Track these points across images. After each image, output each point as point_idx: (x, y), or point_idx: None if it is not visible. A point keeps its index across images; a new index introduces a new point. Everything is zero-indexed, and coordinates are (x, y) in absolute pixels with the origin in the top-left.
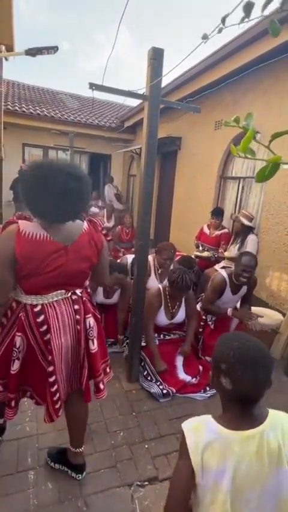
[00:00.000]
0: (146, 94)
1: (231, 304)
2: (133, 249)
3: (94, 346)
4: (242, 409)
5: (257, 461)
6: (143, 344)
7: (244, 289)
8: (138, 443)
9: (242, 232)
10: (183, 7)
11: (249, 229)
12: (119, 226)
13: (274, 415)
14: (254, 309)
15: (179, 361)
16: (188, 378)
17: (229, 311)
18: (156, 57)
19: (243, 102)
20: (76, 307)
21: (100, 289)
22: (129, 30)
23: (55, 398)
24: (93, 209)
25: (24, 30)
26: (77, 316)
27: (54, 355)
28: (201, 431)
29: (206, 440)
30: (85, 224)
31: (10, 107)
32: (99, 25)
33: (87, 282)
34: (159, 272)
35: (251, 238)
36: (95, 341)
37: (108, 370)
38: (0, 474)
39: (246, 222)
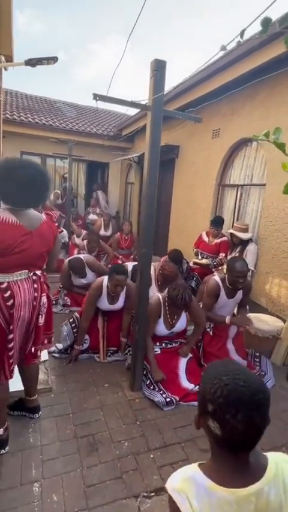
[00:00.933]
0: (148, 104)
1: (228, 309)
2: (132, 256)
3: (41, 321)
4: (236, 459)
5: None
6: None
7: (240, 294)
8: (143, 453)
9: (241, 243)
10: (186, 19)
11: (248, 240)
12: (118, 233)
13: (274, 466)
14: (254, 315)
15: (182, 369)
16: (191, 386)
17: (227, 319)
18: (158, 68)
19: (241, 112)
20: (35, 286)
21: (104, 296)
22: (126, 40)
23: (11, 361)
24: (92, 216)
25: (19, 39)
26: (35, 294)
27: (15, 325)
28: (190, 491)
29: (196, 505)
30: (43, 215)
31: (9, 116)
32: (95, 34)
33: (44, 266)
34: (159, 283)
35: (250, 250)
36: (43, 316)
37: (46, 341)
38: (3, 487)
39: (243, 236)
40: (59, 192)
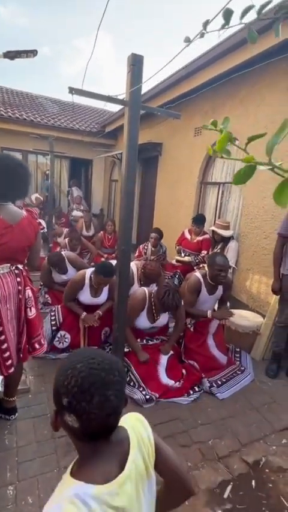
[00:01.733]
0: (126, 100)
1: (209, 305)
2: (114, 254)
3: (32, 312)
4: (101, 448)
5: (137, 496)
6: (126, 350)
7: (220, 290)
8: None
9: (222, 240)
10: (165, 14)
11: (229, 237)
12: (102, 232)
13: (133, 432)
14: (234, 312)
15: (162, 365)
16: (171, 382)
17: (209, 313)
18: (136, 63)
19: (222, 111)
20: (18, 279)
21: (87, 288)
22: (110, 35)
23: (5, 355)
24: (76, 212)
25: (1, 34)
26: (19, 287)
27: (3, 318)
28: (80, 509)
29: None
30: (23, 211)
31: None
32: (80, 30)
33: (26, 261)
34: (141, 282)
35: (231, 247)
36: (33, 308)
37: (37, 346)
38: None
39: (225, 233)
40: (41, 198)
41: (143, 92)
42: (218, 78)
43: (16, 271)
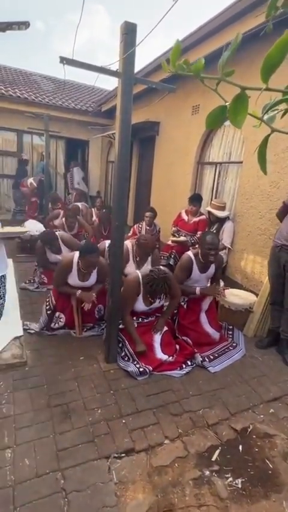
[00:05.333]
0: (118, 70)
1: (201, 284)
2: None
3: None
4: None
5: None
6: (121, 326)
7: (212, 268)
8: (115, 419)
9: (218, 220)
10: None
11: (225, 218)
12: (92, 209)
13: None
14: (228, 291)
15: (157, 341)
16: (165, 357)
17: (197, 290)
18: (128, 31)
19: (219, 88)
20: None
21: (75, 272)
22: (107, 12)
23: None
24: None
25: None
26: None
27: None
28: None
29: None
30: None
31: None
32: (75, 4)
33: None
34: (137, 259)
35: (227, 227)
36: None
37: None
38: None
39: (220, 214)
40: (34, 184)
41: (138, 68)
42: (218, 52)
43: None
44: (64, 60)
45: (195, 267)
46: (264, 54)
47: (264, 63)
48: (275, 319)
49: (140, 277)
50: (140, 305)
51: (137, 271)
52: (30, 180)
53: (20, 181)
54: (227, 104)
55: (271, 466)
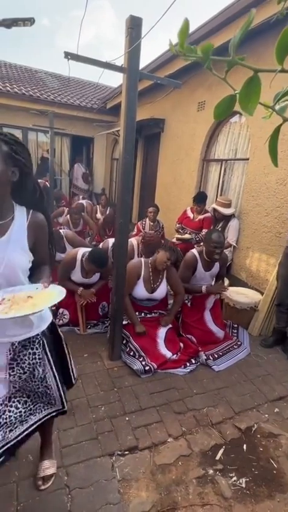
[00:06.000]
0: (124, 66)
1: (206, 281)
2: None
3: None
4: None
5: None
6: (125, 323)
7: (216, 266)
8: (119, 416)
9: (223, 218)
10: None
11: (230, 216)
12: (97, 205)
13: None
14: (234, 289)
15: (161, 337)
16: (169, 354)
17: (203, 288)
18: (134, 26)
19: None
20: None
21: (78, 269)
22: (112, 8)
23: None
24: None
25: None
26: None
27: None
28: None
29: None
30: None
31: None
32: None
33: None
34: (142, 257)
35: (232, 225)
36: None
37: None
38: None
39: (225, 211)
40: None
41: (143, 64)
42: (223, 48)
43: None
44: (69, 56)
45: (199, 265)
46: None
47: (279, 42)
48: (281, 319)
49: (143, 261)
50: (141, 290)
51: (141, 258)
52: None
53: (42, 179)
54: (236, 92)
55: (275, 466)
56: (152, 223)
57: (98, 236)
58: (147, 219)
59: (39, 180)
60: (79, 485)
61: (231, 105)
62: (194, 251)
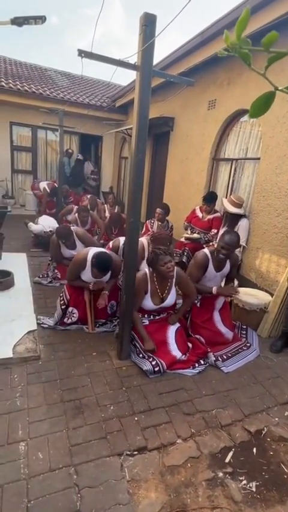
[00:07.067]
0: (137, 64)
1: (216, 282)
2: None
3: None
4: None
5: None
6: None
7: (227, 267)
8: (128, 416)
9: (231, 217)
10: None
11: (240, 215)
12: (105, 205)
13: None
14: (243, 290)
15: (171, 337)
16: (179, 354)
17: (214, 289)
18: (148, 23)
19: (238, 81)
20: None
21: (88, 269)
22: (123, 6)
23: None
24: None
25: (6, 3)
26: None
27: None
28: None
29: None
30: None
31: None
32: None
33: None
34: None
35: (242, 225)
36: None
37: None
38: None
39: (231, 209)
40: (48, 189)
41: (155, 62)
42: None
43: None
44: (82, 53)
45: (210, 265)
46: None
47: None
48: None
49: (148, 273)
50: (149, 303)
51: (145, 268)
52: (44, 185)
53: (78, 180)
54: (280, 88)
55: (286, 470)
56: (160, 223)
57: (105, 235)
58: (155, 219)
59: (47, 182)
60: (88, 485)
61: (269, 103)
62: (206, 251)
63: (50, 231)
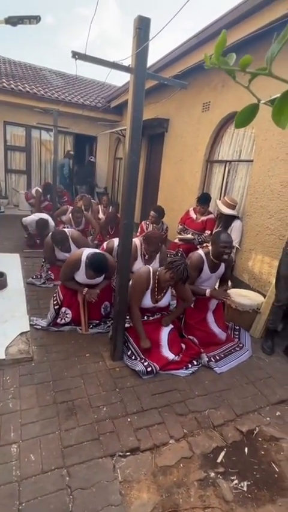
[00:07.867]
0: (131, 66)
1: (211, 283)
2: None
3: None
4: None
5: None
6: (127, 325)
7: (222, 268)
8: (120, 417)
9: (225, 218)
10: None
11: (233, 216)
12: (99, 205)
13: None
14: (236, 291)
15: (164, 340)
16: (171, 356)
17: (207, 292)
18: (142, 26)
19: (232, 84)
20: None
21: (83, 269)
22: (118, 6)
23: None
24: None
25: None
26: None
27: None
28: None
29: None
30: None
31: None
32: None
33: None
34: (145, 258)
35: (235, 227)
36: None
37: None
38: None
39: (224, 209)
40: (40, 190)
41: (149, 64)
42: (228, 49)
43: None
44: (76, 55)
45: (205, 267)
46: None
47: (266, 57)
48: (277, 317)
49: (151, 271)
50: (147, 301)
51: (148, 266)
52: (36, 188)
53: (90, 179)
54: (262, 102)
55: (277, 469)
56: (155, 225)
57: (100, 236)
58: (149, 222)
59: (37, 188)
60: (81, 486)
61: (254, 114)
62: (200, 252)
63: (42, 218)
